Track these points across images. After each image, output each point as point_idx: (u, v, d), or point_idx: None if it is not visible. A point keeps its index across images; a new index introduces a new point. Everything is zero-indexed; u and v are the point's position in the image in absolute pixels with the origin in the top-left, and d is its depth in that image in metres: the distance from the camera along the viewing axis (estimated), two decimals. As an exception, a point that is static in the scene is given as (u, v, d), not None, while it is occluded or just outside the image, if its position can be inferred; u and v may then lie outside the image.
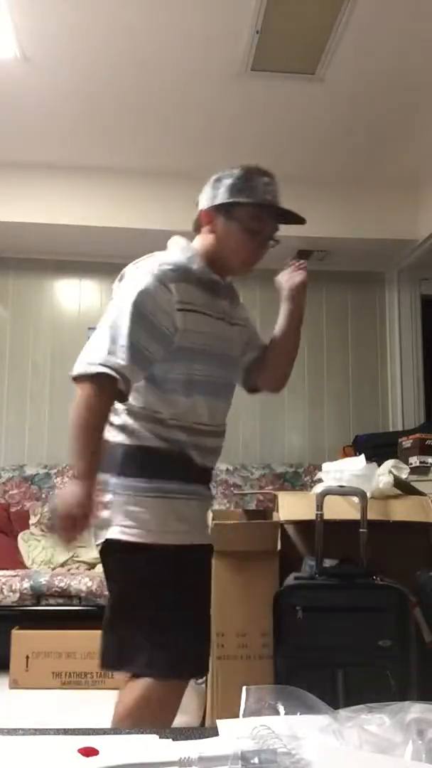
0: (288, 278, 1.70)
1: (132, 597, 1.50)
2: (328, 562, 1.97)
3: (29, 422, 4.37)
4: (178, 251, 1.60)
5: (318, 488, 2.16)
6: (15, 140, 3.72)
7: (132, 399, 1.49)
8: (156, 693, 1.42)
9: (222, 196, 1.58)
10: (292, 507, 2.23)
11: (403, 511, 2.20)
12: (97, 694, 2.98)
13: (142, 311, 1.46)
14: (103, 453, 1.45)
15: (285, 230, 1.67)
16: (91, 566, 3.59)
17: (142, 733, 0.72)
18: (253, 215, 1.58)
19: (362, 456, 2.30)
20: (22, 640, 3.09)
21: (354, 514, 2.04)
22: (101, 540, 1.52)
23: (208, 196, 1.61)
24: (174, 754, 0.63)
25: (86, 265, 4.54)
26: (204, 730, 0.72)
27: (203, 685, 2.50)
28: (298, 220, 1.61)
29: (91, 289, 4.57)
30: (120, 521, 1.47)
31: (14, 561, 3.59)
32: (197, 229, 1.64)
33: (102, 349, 1.43)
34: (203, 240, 1.62)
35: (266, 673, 1.92)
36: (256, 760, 0.57)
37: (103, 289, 4.58)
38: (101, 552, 1.56)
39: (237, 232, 1.58)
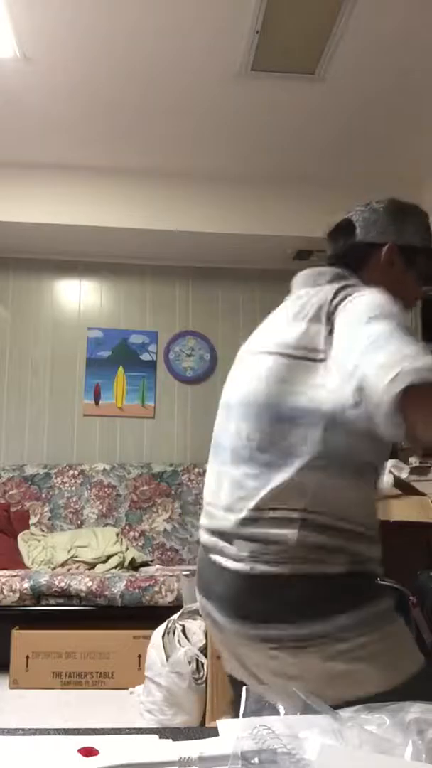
0: None
1: None
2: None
3: (29, 422, 4.37)
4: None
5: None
6: (15, 140, 3.72)
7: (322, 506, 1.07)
8: None
9: (413, 238, 1.31)
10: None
11: (403, 511, 2.20)
12: (97, 694, 2.98)
13: None
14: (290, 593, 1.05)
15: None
16: (91, 566, 3.60)
17: (142, 733, 0.72)
18: (430, 268, 1.35)
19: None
20: (22, 640, 3.09)
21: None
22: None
23: (392, 229, 1.31)
24: (174, 754, 0.63)
25: (86, 265, 4.54)
26: (204, 730, 0.72)
27: (203, 685, 2.50)
28: None
29: (91, 289, 4.57)
30: (365, 673, 1.02)
31: (14, 561, 3.59)
32: (355, 262, 1.29)
33: None
34: (377, 279, 1.27)
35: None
36: (256, 760, 0.57)
37: (103, 289, 4.58)
38: None
39: (411, 282, 1.33)
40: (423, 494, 2.36)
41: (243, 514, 1.08)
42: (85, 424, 4.40)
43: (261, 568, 1.04)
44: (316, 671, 1.02)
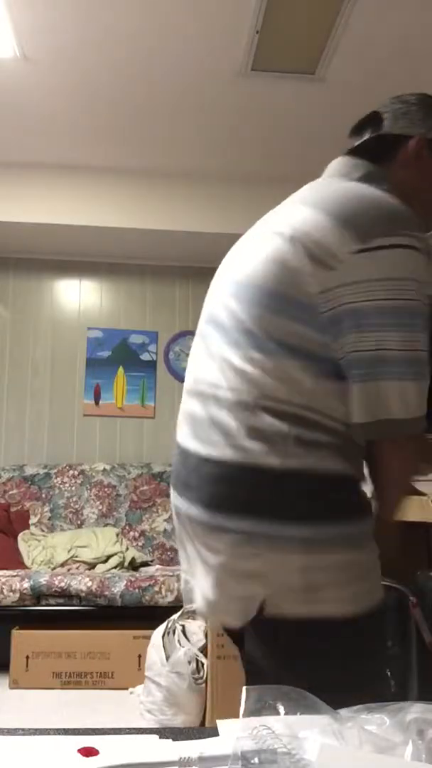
0: None
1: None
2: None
3: (29, 422, 4.37)
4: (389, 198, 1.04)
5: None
6: (15, 140, 3.72)
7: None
8: None
9: None
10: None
11: (403, 511, 2.20)
12: (97, 694, 2.98)
13: None
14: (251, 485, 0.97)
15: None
16: (91, 566, 3.60)
17: (142, 733, 0.72)
18: None
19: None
20: (22, 640, 3.09)
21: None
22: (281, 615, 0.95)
23: (423, 122, 1.19)
24: (174, 754, 0.63)
25: (86, 265, 4.54)
26: (204, 730, 0.72)
27: (203, 685, 2.50)
28: None
29: (91, 289, 4.57)
30: (332, 589, 0.95)
31: (14, 561, 3.59)
32: (381, 155, 1.19)
33: None
34: (402, 175, 1.18)
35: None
36: (256, 760, 0.57)
37: (103, 289, 4.58)
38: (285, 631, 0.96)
39: None
40: (423, 494, 2.36)
41: (236, 400, 0.99)
42: (85, 424, 4.40)
43: (252, 457, 0.96)
44: (286, 579, 0.94)
